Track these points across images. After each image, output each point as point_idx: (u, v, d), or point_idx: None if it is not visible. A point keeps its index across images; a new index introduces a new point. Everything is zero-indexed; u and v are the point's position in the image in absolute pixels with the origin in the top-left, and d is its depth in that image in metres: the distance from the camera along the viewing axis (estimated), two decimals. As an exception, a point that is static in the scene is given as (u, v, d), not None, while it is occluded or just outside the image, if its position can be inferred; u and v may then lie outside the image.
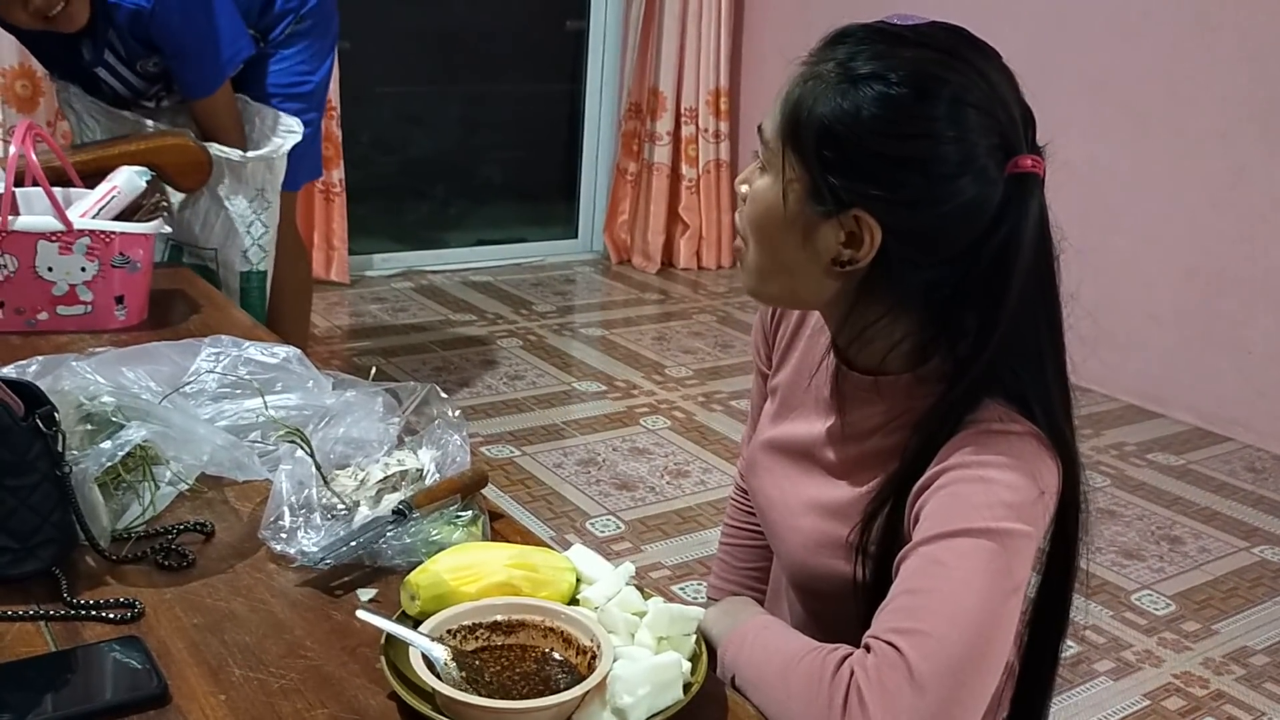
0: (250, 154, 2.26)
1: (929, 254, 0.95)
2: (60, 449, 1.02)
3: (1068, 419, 0.98)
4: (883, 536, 0.97)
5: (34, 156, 1.63)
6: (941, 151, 0.91)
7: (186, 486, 1.18)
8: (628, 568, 1.01)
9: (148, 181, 1.78)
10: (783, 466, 1.12)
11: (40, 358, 1.28)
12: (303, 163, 2.65)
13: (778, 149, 0.96)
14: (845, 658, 0.88)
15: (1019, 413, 0.95)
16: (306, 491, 1.12)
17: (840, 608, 1.02)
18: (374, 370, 1.42)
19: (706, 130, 4.91)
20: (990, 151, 0.92)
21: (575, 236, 5.19)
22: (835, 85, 0.93)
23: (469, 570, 0.98)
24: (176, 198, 2.16)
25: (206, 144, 2.17)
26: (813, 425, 1.10)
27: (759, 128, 1.00)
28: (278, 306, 2.62)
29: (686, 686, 0.89)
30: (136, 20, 2.10)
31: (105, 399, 1.16)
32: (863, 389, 1.04)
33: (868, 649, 0.88)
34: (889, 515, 0.97)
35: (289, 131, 2.36)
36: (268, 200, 2.33)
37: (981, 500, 0.90)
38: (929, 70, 0.91)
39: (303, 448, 1.14)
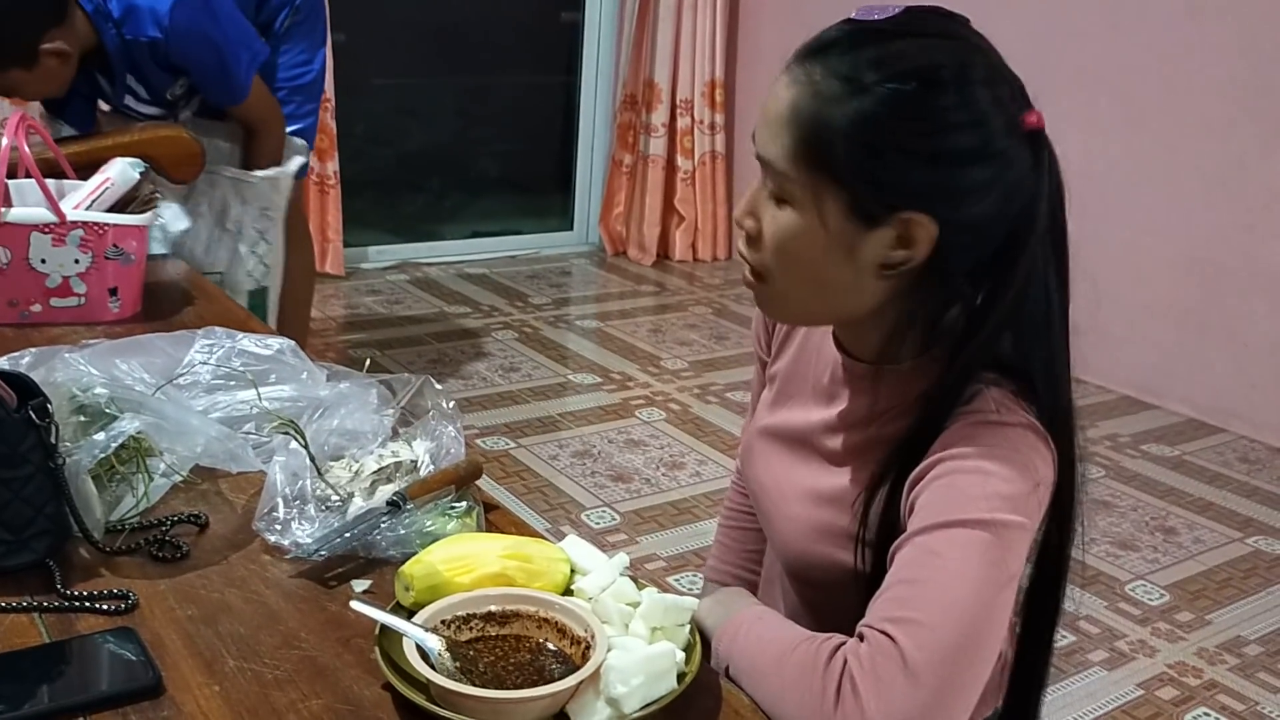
0: (260, 174, 2.28)
1: (982, 236, 0.94)
2: (53, 441, 1.02)
3: (1067, 385, 0.98)
4: (879, 526, 0.97)
5: (26, 148, 1.62)
6: (982, 133, 0.91)
7: (180, 478, 1.18)
8: (622, 558, 1.01)
9: (141, 173, 1.77)
10: (778, 453, 1.13)
11: (34, 350, 1.27)
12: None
13: (798, 176, 0.93)
14: (839, 647, 0.89)
15: (1016, 395, 0.95)
16: (300, 483, 1.12)
17: (835, 596, 1.03)
18: (369, 362, 1.41)
19: (702, 122, 4.90)
20: (1010, 120, 0.92)
21: (571, 229, 5.18)
22: (852, 96, 0.90)
23: (463, 561, 0.98)
24: (174, 222, 2.16)
25: (224, 168, 2.22)
26: (810, 413, 1.10)
27: (762, 159, 0.95)
28: (282, 293, 2.62)
29: (680, 676, 0.89)
30: (155, 50, 2.13)
31: (99, 391, 1.16)
32: (865, 378, 1.04)
33: (862, 638, 0.88)
34: (885, 504, 0.97)
35: (296, 153, 2.40)
36: (270, 218, 2.34)
37: (977, 491, 0.90)
38: (945, 59, 0.91)
39: (297, 439, 1.13)
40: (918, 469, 0.94)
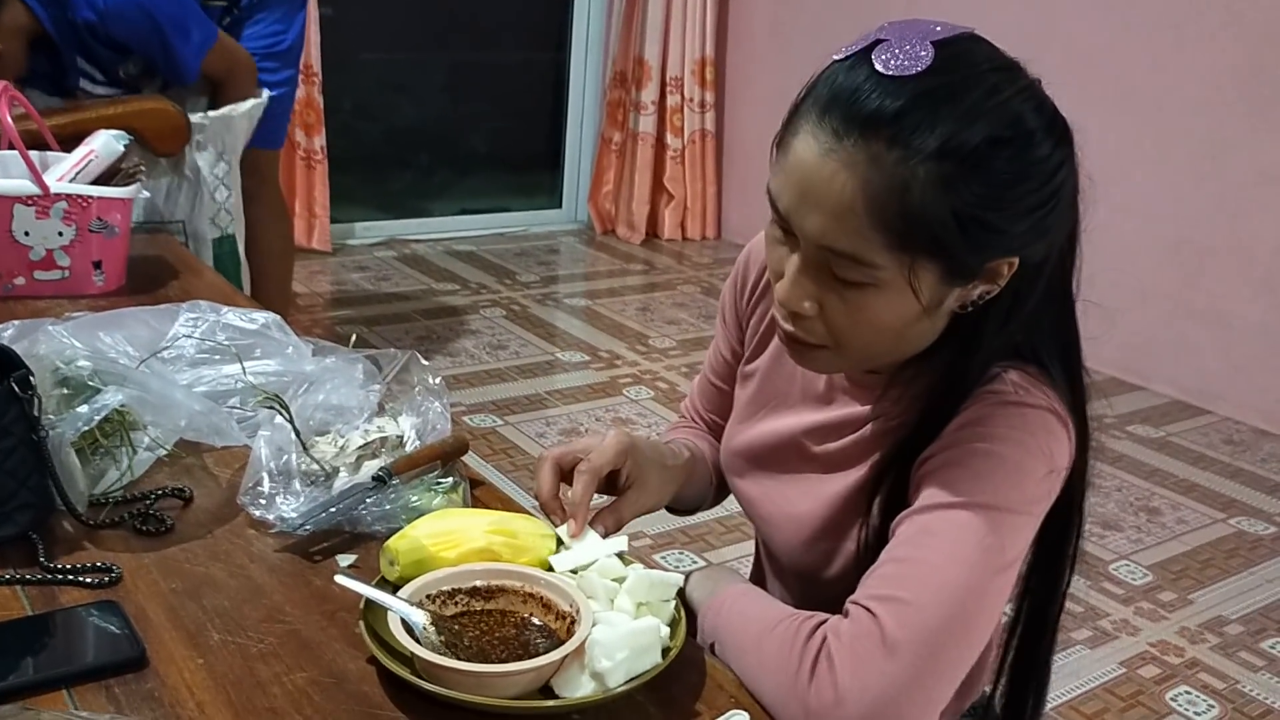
0: (211, 114, 2.25)
1: (1053, 245, 0.92)
2: (36, 413, 1.01)
3: (1081, 369, 0.98)
4: (886, 506, 0.96)
5: (9, 119, 1.61)
6: (1069, 161, 0.89)
7: (164, 452, 1.17)
8: (618, 542, 1.00)
9: (125, 145, 1.76)
10: (771, 458, 1.10)
11: (16, 322, 1.26)
12: (283, 120, 2.66)
13: (887, 261, 0.85)
14: (820, 624, 0.89)
15: (1034, 378, 0.93)
16: (286, 457, 1.11)
17: (840, 588, 1.01)
18: (354, 337, 1.41)
19: (692, 100, 4.89)
20: (1066, 127, 0.89)
21: (559, 206, 5.17)
22: (944, 169, 0.82)
23: (449, 536, 0.97)
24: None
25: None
26: (803, 416, 1.07)
27: (829, 249, 0.87)
28: (261, 269, 2.62)
29: (665, 651, 0.89)
30: (94, 32, 2.11)
31: (82, 364, 1.15)
32: (874, 386, 1.02)
33: (846, 614, 0.88)
34: (892, 488, 0.96)
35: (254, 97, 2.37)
36: (226, 162, 2.31)
37: (986, 473, 0.89)
38: (1020, 103, 0.86)
39: (282, 414, 1.13)
40: (932, 445, 0.93)
